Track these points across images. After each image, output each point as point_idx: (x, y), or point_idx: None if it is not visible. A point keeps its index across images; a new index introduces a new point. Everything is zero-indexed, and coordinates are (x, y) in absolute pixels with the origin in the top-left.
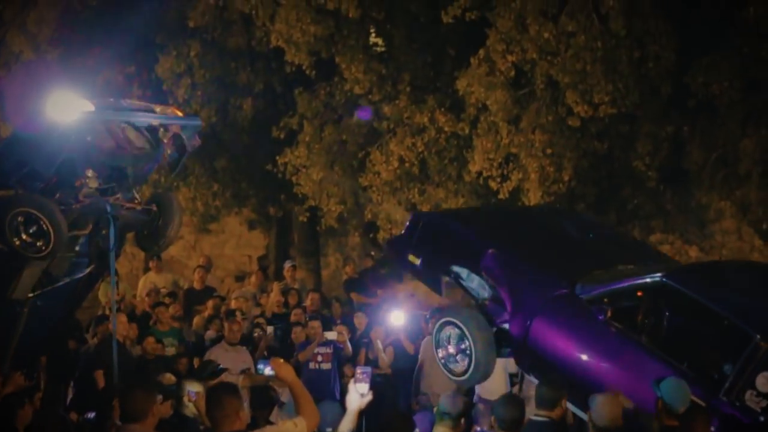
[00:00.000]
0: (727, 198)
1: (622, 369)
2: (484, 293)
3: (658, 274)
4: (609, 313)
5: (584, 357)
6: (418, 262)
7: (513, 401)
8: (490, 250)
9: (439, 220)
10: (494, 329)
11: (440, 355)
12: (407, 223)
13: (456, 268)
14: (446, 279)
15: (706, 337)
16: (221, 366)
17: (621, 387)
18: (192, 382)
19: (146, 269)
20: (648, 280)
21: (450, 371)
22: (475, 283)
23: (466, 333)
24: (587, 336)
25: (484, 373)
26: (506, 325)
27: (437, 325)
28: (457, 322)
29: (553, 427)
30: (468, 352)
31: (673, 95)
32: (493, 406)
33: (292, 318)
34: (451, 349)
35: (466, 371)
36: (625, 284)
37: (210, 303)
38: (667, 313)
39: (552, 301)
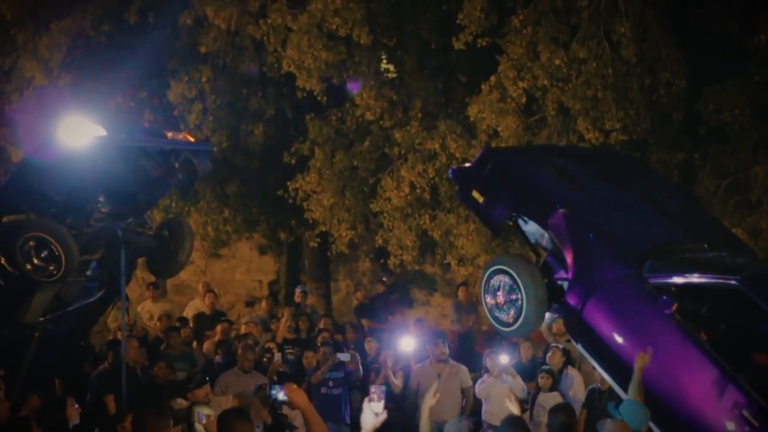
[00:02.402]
0: (739, 225)
1: (676, 366)
2: (544, 242)
3: (733, 278)
4: (675, 307)
5: (639, 344)
6: (481, 200)
7: (517, 422)
8: (561, 210)
9: (511, 161)
10: (547, 282)
11: (487, 301)
12: (477, 157)
13: (521, 216)
14: (508, 222)
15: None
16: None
17: (671, 384)
18: (203, 407)
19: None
20: (722, 281)
21: (496, 319)
22: (535, 229)
23: (519, 284)
24: (646, 323)
25: (532, 327)
26: (561, 283)
27: (489, 271)
28: (511, 272)
29: None
30: (518, 303)
31: (685, 122)
32: (498, 429)
33: (319, 340)
34: (501, 298)
35: (513, 323)
36: (697, 280)
37: (218, 327)
38: (736, 318)
39: (616, 279)
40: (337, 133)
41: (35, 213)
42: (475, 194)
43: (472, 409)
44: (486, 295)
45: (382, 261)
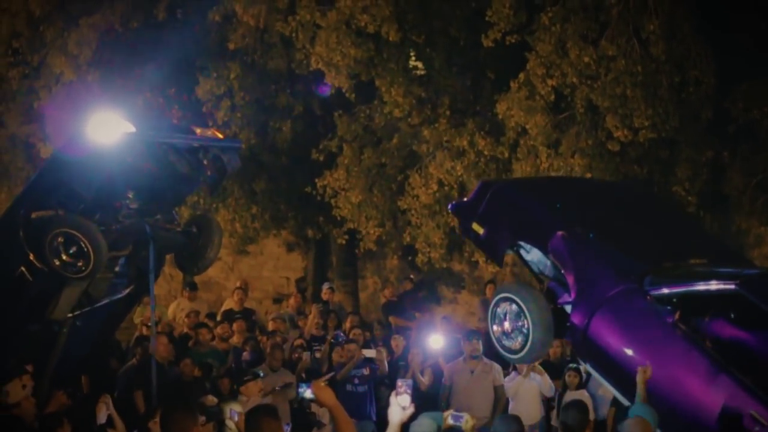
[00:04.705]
0: (767, 223)
1: (683, 374)
2: (546, 269)
3: (733, 282)
4: (677, 316)
5: (645, 357)
6: (482, 231)
7: (510, 418)
8: (559, 233)
9: (509, 191)
10: (552, 308)
11: (495, 330)
12: (475, 189)
13: (521, 244)
14: (509, 252)
15: None
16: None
17: (679, 392)
18: (233, 403)
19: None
20: (722, 286)
21: (504, 347)
22: (537, 258)
23: (525, 311)
24: (651, 336)
25: (539, 352)
26: (566, 307)
27: (494, 300)
28: (516, 299)
29: None
30: (525, 330)
31: (714, 120)
32: (494, 424)
33: (352, 336)
34: (507, 326)
35: (520, 349)
36: (697, 288)
37: (235, 326)
38: (737, 322)
39: (618, 295)
40: (366, 130)
41: (64, 209)
42: (476, 226)
43: (504, 407)
44: (493, 325)
45: (409, 258)
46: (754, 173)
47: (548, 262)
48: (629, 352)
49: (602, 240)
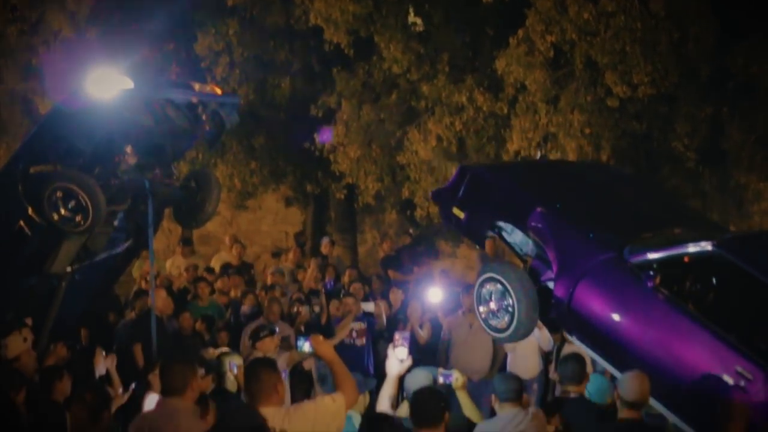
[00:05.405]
0: (766, 179)
1: (667, 337)
2: (528, 249)
3: (710, 243)
4: (658, 280)
5: (629, 323)
6: (462, 216)
7: (509, 377)
8: (538, 209)
9: (485, 174)
10: (537, 287)
11: (481, 310)
12: (453, 176)
13: (501, 224)
14: (490, 234)
15: (755, 308)
16: (275, 330)
17: (665, 354)
18: (233, 356)
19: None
20: (699, 248)
21: (491, 327)
22: (519, 238)
23: (510, 290)
24: (634, 302)
25: (525, 331)
26: (550, 284)
27: (479, 281)
28: (501, 279)
29: (583, 402)
30: (510, 309)
31: (713, 76)
32: (493, 382)
33: (352, 291)
34: (493, 306)
35: (507, 328)
36: (675, 251)
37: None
38: (716, 282)
39: (599, 265)
40: (364, 86)
41: (63, 164)
42: (456, 211)
43: (503, 361)
44: (479, 306)
45: (408, 213)
46: (754, 129)
47: (530, 242)
48: (613, 319)
49: (576, 214)
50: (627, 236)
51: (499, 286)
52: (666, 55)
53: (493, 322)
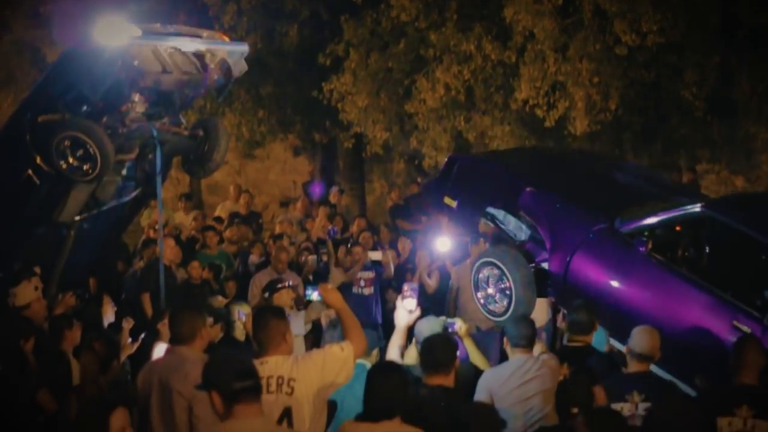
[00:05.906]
0: None
1: (664, 299)
2: (522, 234)
3: (698, 206)
4: (650, 245)
5: (625, 289)
6: (454, 204)
7: (522, 321)
8: (527, 189)
9: (474, 162)
10: (532, 267)
11: (479, 296)
12: (443, 166)
13: (492, 210)
14: (483, 221)
15: (747, 265)
16: (290, 283)
17: (663, 317)
18: (242, 304)
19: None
20: (688, 210)
21: (489, 312)
22: (512, 224)
23: (506, 272)
24: (628, 268)
25: (524, 312)
26: (545, 264)
27: (475, 267)
28: (496, 262)
29: (589, 352)
30: (508, 291)
31: (722, 26)
32: (505, 326)
33: (361, 240)
34: (491, 290)
35: (506, 311)
36: (666, 216)
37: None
38: (708, 243)
39: (591, 236)
40: (372, 35)
41: (70, 112)
42: (447, 200)
43: None
44: (477, 292)
45: (416, 162)
46: (763, 79)
47: (523, 226)
48: (609, 287)
49: (565, 192)
50: (616, 209)
51: (495, 269)
52: (675, 4)
53: (492, 307)
